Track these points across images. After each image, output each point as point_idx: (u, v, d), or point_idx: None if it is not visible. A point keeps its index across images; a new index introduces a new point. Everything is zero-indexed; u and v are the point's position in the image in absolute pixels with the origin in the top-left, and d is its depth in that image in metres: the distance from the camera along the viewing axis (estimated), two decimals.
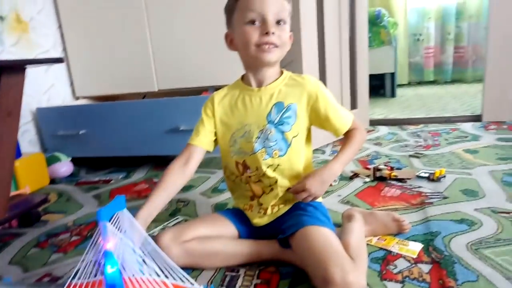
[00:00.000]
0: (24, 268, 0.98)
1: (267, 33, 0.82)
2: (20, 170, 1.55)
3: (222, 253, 0.87)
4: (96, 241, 0.67)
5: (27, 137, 1.87)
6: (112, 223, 0.67)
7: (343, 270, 0.69)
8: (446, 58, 3.95)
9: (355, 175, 1.41)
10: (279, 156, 0.88)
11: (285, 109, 0.88)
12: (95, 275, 0.68)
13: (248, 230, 0.94)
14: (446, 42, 3.92)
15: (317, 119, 0.90)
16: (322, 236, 0.79)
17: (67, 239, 1.13)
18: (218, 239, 0.89)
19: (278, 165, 0.89)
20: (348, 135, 0.92)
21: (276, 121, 0.88)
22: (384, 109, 2.87)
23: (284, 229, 0.86)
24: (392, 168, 1.39)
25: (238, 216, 0.96)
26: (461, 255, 0.83)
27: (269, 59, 0.86)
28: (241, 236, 0.93)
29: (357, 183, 1.35)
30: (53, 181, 1.74)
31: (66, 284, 0.69)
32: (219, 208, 1.24)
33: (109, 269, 0.65)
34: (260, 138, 0.88)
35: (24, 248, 1.10)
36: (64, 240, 1.12)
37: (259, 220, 0.93)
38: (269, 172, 0.88)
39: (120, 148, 1.80)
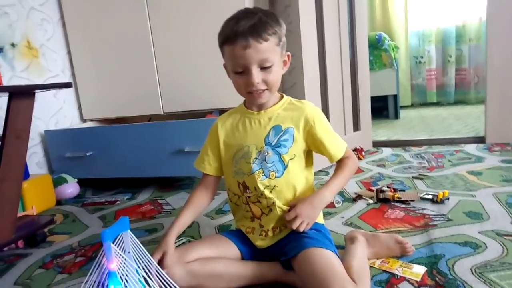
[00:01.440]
0: None
1: (252, 84, 0.85)
2: (28, 191, 1.57)
3: (225, 274, 0.87)
4: (100, 261, 0.68)
5: (35, 159, 1.90)
6: (116, 244, 0.68)
7: None
8: (448, 80, 3.99)
9: (359, 197, 1.42)
10: (276, 177, 0.90)
11: (282, 132, 0.91)
12: None
13: (251, 252, 0.94)
14: (448, 64, 3.97)
15: (313, 144, 0.92)
16: (324, 258, 0.79)
17: (72, 260, 1.14)
18: (221, 260, 0.90)
19: (274, 186, 0.90)
20: (340, 163, 0.95)
21: (273, 143, 0.91)
22: (387, 131, 2.88)
23: (286, 251, 0.87)
24: (395, 190, 1.39)
25: (241, 237, 0.96)
26: (465, 279, 0.83)
27: (260, 102, 0.91)
28: (244, 257, 0.94)
29: (361, 205, 1.35)
30: (59, 202, 1.76)
31: None
32: (223, 230, 1.24)
33: None
34: (258, 159, 0.90)
35: (29, 269, 1.11)
36: (69, 261, 1.13)
37: (261, 243, 0.94)
38: (267, 193, 0.90)
39: (126, 170, 1.82)
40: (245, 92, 0.89)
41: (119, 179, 1.95)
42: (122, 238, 0.71)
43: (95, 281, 0.68)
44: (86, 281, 0.69)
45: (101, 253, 0.67)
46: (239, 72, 0.86)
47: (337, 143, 0.93)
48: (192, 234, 1.22)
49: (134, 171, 1.81)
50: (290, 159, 0.90)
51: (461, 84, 4.00)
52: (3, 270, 1.11)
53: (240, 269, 0.89)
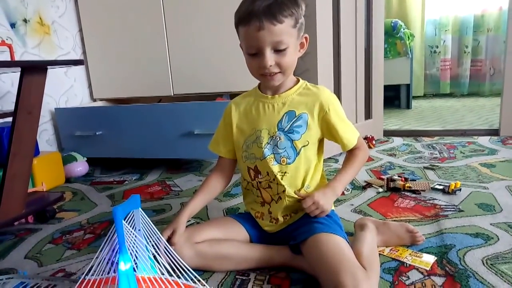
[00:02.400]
0: (39, 263, 1.00)
1: (265, 66, 0.83)
2: (38, 168, 1.58)
3: (233, 256, 0.87)
4: (111, 238, 0.68)
5: (45, 137, 1.92)
6: (127, 221, 0.68)
7: (355, 278, 0.68)
8: (463, 71, 3.91)
9: (368, 185, 1.40)
10: (286, 164, 0.89)
11: (296, 118, 0.89)
12: (108, 272, 0.69)
13: (259, 235, 0.94)
14: (463, 55, 3.88)
15: (327, 131, 0.90)
16: (334, 243, 0.78)
17: (81, 236, 1.15)
18: (229, 242, 0.90)
19: (285, 172, 0.89)
20: (351, 153, 0.93)
21: (286, 129, 0.89)
22: (398, 120, 2.84)
23: (295, 235, 0.86)
24: (406, 179, 1.37)
25: (250, 220, 0.96)
26: (476, 270, 0.82)
27: (273, 84, 0.88)
28: (252, 240, 0.94)
29: (370, 193, 1.34)
30: (68, 180, 1.77)
31: (80, 280, 0.70)
32: (231, 212, 1.24)
33: (123, 266, 0.65)
34: (270, 144, 0.89)
35: (39, 243, 1.12)
36: (77, 238, 1.14)
37: (270, 228, 0.93)
38: (279, 178, 0.89)
39: (134, 150, 1.82)
40: (258, 74, 0.87)
41: (127, 159, 1.96)
42: (133, 216, 0.70)
43: (105, 257, 0.69)
44: (97, 257, 0.69)
45: (112, 230, 0.67)
46: (253, 54, 0.84)
47: (350, 132, 0.91)
48: (200, 216, 1.22)
49: (143, 152, 1.82)
50: (303, 146, 0.89)
51: (476, 75, 3.92)
52: (14, 244, 1.13)
53: (248, 252, 0.89)
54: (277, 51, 0.82)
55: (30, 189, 1.40)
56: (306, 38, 0.88)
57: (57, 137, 1.97)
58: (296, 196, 0.89)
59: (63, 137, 1.93)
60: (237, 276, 0.86)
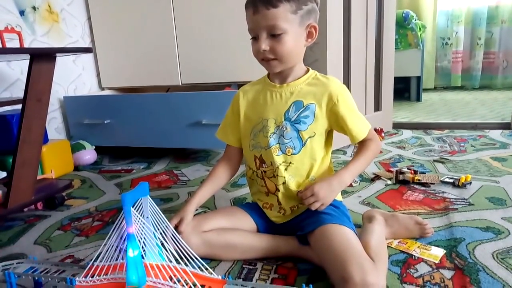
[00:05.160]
0: (48, 249, 1.01)
1: (258, 50, 0.83)
2: (47, 155, 1.59)
3: (240, 245, 0.87)
4: (120, 225, 0.68)
5: (54, 125, 1.93)
6: (135, 208, 0.68)
7: (363, 270, 0.68)
8: (475, 64, 3.83)
9: (377, 177, 1.39)
10: (292, 154, 0.88)
11: (303, 108, 0.88)
12: (117, 259, 0.70)
13: (266, 225, 0.94)
14: (476, 47, 3.81)
15: (336, 122, 0.88)
16: (342, 234, 0.78)
17: (89, 223, 1.16)
18: (236, 232, 0.90)
19: (290, 162, 0.88)
20: (362, 145, 0.91)
21: (293, 119, 0.88)
22: (408, 113, 2.81)
23: (303, 226, 0.86)
24: (415, 172, 1.36)
25: (257, 210, 0.96)
26: (486, 263, 0.81)
27: (273, 71, 0.88)
28: (259, 230, 0.93)
29: (379, 185, 1.32)
30: (77, 168, 1.79)
31: (89, 266, 0.71)
32: (238, 202, 1.24)
33: (131, 253, 0.66)
34: (276, 133, 0.88)
35: (48, 230, 1.13)
36: (86, 225, 1.15)
37: (277, 219, 0.93)
38: (282, 169, 0.88)
39: (142, 139, 1.83)
40: (259, 59, 0.86)
41: (135, 148, 1.97)
42: (141, 203, 0.70)
43: (113, 244, 0.69)
44: (105, 244, 0.69)
45: (121, 217, 0.67)
46: (253, 38, 0.84)
47: (360, 124, 0.89)
48: (207, 205, 1.22)
49: (150, 141, 1.82)
50: (309, 136, 0.87)
51: (488, 68, 3.84)
52: (24, 230, 1.14)
53: (255, 241, 0.89)
54: (273, 36, 0.81)
55: (39, 176, 1.41)
56: (314, 27, 0.86)
57: (65, 125, 1.98)
58: (295, 188, 0.88)
59: (72, 125, 1.95)
60: (244, 265, 0.86)
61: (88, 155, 1.82)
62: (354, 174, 0.89)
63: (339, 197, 0.94)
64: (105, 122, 1.85)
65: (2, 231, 1.14)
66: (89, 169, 1.79)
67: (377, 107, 2.14)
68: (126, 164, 1.84)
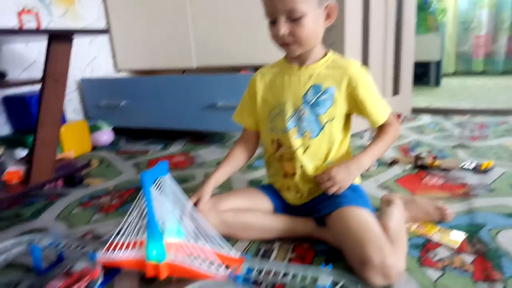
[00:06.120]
0: (69, 224, 1.04)
1: (277, 35, 0.80)
2: (65, 136, 1.62)
3: (258, 226, 0.88)
4: (139, 203, 0.68)
5: (72, 106, 1.95)
6: (155, 186, 0.69)
7: (382, 252, 0.67)
8: (498, 48, 3.70)
9: (395, 162, 1.37)
10: (310, 138, 0.86)
11: (322, 91, 0.86)
12: (137, 236, 0.71)
13: (283, 206, 0.94)
14: (500, 31, 3.67)
15: (355, 106, 0.86)
16: (361, 217, 0.77)
17: (108, 202, 1.18)
18: (253, 212, 0.90)
19: (308, 146, 0.87)
20: (382, 129, 0.88)
21: (311, 102, 0.86)
22: (427, 98, 2.74)
23: (320, 208, 0.85)
24: (435, 157, 1.33)
25: (274, 192, 0.95)
26: (509, 249, 0.79)
27: (292, 54, 0.85)
28: (276, 211, 0.93)
29: (397, 170, 1.30)
30: (94, 148, 1.81)
31: (109, 242, 0.72)
32: (254, 185, 1.24)
33: (151, 229, 0.66)
34: (294, 117, 0.87)
35: (68, 206, 1.16)
36: (105, 203, 1.17)
37: (295, 201, 0.93)
38: (299, 153, 0.87)
39: (158, 121, 1.84)
40: (278, 43, 0.84)
41: (151, 130, 1.98)
42: (161, 181, 0.71)
43: (133, 221, 0.70)
44: (125, 221, 0.70)
45: (141, 194, 0.68)
46: (271, 22, 0.81)
47: (380, 108, 0.87)
48: (223, 187, 1.22)
49: (166, 123, 1.83)
50: (328, 120, 0.86)
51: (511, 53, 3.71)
52: (45, 206, 1.17)
53: (272, 222, 0.89)
54: (293, 20, 0.78)
55: (59, 156, 1.44)
56: (332, 7, 0.82)
57: (83, 107, 2.01)
58: (312, 172, 0.87)
59: (89, 106, 1.97)
60: (261, 245, 0.86)
61: (106, 135, 1.84)
62: (373, 158, 0.87)
63: (357, 181, 0.93)
64: (121, 103, 1.86)
65: (24, 207, 1.17)
66: (106, 149, 1.82)
67: (396, 91, 2.09)
68: (142, 145, 1.86)
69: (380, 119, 0.87)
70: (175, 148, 1.77)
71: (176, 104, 1.77)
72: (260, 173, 1.34)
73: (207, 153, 1.66)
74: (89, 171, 1.49)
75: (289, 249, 0.84)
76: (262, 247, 0.85)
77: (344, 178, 0.83)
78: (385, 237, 0.72)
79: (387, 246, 0.69)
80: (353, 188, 0.87)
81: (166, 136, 1.97)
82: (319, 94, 0.86)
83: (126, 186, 1.31)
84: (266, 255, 0.82)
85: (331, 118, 0.86)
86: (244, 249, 0.85)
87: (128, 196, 1.21)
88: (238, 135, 1.02)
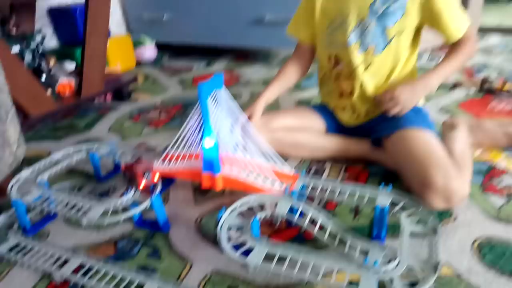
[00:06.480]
0: (122, 136, 1.07)
1: None
2: (110, 49, 1.61)
3: (309, 145, 0.85)
4: (195, 115, 0.67)
5: (114, 18, 1.91)
6: (211, 98, 0.66)
7: (446, 175, 0.63)
8: None
9: (457, 85, 1.25)
10: (373, 54, 0.78)
11: (393, 0, 0.75)
12: (192, 148, 0.71)
13: (336, 126, 0.90)
14: None
15: (429, 18, 0.75)
16: (424, 139, 0.72)
17: (156, 117, 1.19)
18: (305, 131, 0.87)
19: (370, 63, 0.79)
20: (457, 45, 0.77)
21: (379, 13, 0.76)
22: (497, 15, 2.43)
23: (378, 129, 0.80)
24: (505, 81, 1.20)
25: (327, 112, 0.91)
26: None
27: None
28: (328, 131, 0.90)
29: (459, 94, 1.20)
30: (138, 64, 1.81)
31: (165, 153, 0.73)
32: (303, 104, 1.19)
33: (207, 143, 0.66)
34: (357, 29, 0.78)
35: (119, 119, 1.19)
36: (153, 117, 1.18)
37: (350, 121, 0.88)
38: (360, 71, 0.80)
39: (202, 36, 1.77)
40: None
41: (193, 47, 1.92)
42: (216, 94, 0.68)
43: (189, 134, 0.69)
44: (180, 133, 0.69)
45: (196, 107, 0.66)
46: None
47: (458, 20, 0.75)
48: (272, 108, 1.19)
49: (210, 38, 1.76)
50: (396, 34, 0.76)
51: None
52: (97, 118, 1.21)
53: (324, 142, 0.86)
54: None
55: (106, 70, 1.44)
56: None
57: (125, 20, 1.96)
58: (372, 91, 0.81)
59: (131, 19, 1.92)
60: (312, 164, 0.85)
61: (149, 51, 1.82)
62: (443, 78, 0.78)
63: (420, 103, 0.85)
64: (164, 17, 1.79)
65: (77, 118, 1.21)
66: (150, 65, 1.80)
67: (464, 2, 1.84)
68: (186, 62, 1.83)
69: (457, 33, 0.76)
70: (219, 65, 1.73)
71: (221, 16, 1.67)
72: (309, 94, 1.28)
73: (251, 72, 1.60)
74: (136, 86, 1.50)
75: (341, 169, 0.82)
76: (313, 166, 0.84)
77: (409, 99, 0.76)
78: (449, 160, 0.68)
79: (452, 170, 0.65)
80: (415, 110, 0.81)
81: (208, 53, 1.91)
82: (389, 3, 0.75)
83: (173, 101, 1.31)
84: (318, 174, 0.81)
85: (400, 32, 0.76)
86: (295, 167, 0.84)
87: (176, 112, 1.21)
88: (284, 53, 0.95)
